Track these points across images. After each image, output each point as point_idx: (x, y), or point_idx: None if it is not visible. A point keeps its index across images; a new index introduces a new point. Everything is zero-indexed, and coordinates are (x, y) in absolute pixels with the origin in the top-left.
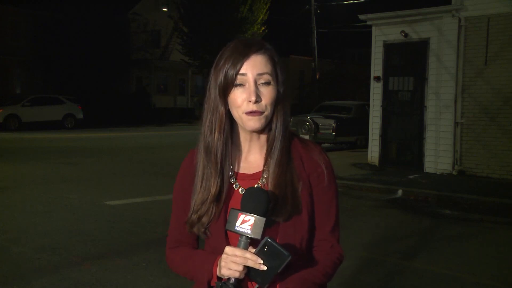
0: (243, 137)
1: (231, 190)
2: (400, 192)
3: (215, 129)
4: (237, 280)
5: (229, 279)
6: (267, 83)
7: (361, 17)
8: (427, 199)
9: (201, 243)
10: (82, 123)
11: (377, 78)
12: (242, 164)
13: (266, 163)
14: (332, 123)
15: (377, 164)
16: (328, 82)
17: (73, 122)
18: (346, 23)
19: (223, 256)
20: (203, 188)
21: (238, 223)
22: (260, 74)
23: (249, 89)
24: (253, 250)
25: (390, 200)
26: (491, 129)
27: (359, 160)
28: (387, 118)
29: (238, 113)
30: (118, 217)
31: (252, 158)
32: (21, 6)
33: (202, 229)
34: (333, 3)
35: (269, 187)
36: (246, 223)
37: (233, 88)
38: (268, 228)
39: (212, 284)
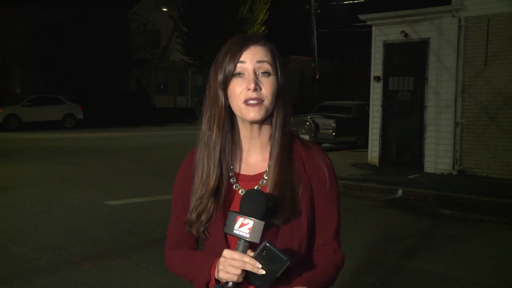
0: (243, 135)
1: (231, 191)
2: (400, 192)
3: (214, 123)
4: (235, 283)
5: (227, 282)
6: (267, 73)
7: (361, 17)
8: (427, 199)
9: (201, 244)
10: (82, 123)
11: (377, 78)
12: (242, 165)
13: (268, 165)
14: (332, 123)
15: (377, 164)
16: (328, 82)
17: (73, 122)
18: (346, 23)
19: (221, 259)
20: (202, 183)
21: (236, 227)
22: (260, 62)
23: (248, 77)
24: (252, 254)
25: (390, 200)
26: (491, 129)
27: (359, 160)
28: (387, 118)
29: (238, 104)
30: (118, 217)
31: (253, 159)
32: (21, 6)
33: (202, 229)
34: (333, 3)
35: (268, 188)
36: (244, 227)
37: (233, 78)
38: (267, 232)
39: (211, 286)
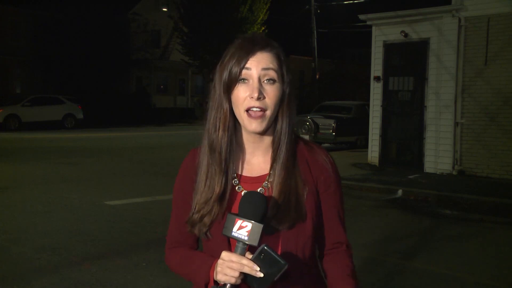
0: (246, 139)
1: (234, 192)
2: (400, 192)
3: (219, 126)
4: (233, 285)
5: (225, 284)
6: (272, 81)
7: (361, 17)
8: (427, 199)
9: (201, 244)
10: (82, 123)
11: (377, 78)
12: (245, 167)
13: (271, 167)
14: (332, 123)
15: (377, 164)
16: (328, 82)
17: (73, 122)
18: (346, 23)
19: (219, 261)
20: (207, 187)
21: (235, 229)
22: (265, 69)
23: (253, 85)
24: (250, 256)
25: (390, 200)
26: (491, 129)
27: (359, 160)
28: (387, 118)
29: (240, 112)
30: (118, 217)
31: (256, 161)
32: (21, 6)
33: (204, 230)
34: (333, 3)
35: (274, 192)
36: (243, 229)
37: (237, 84)
38: (270, 235)
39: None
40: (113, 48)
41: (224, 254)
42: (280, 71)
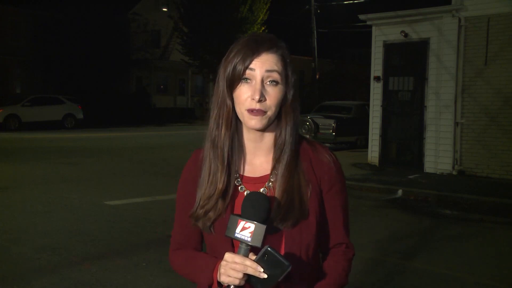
0: (247, 138)
1: (236, 192)
2: (400, 192)
3: (222, 123)
4: (237, 287)
5: (228, 286)
6: (275, 83)
7: (361, 17)
8: (427, 199)
9: (204, 246)
10: (82, 123)
11: (377, 78)
12: (247, 167)
13: (274, 167)
14: (332, 123)
15: (377, 164)
16: (328, 82)
17: (73, 122)
18: (346, 23)
19: (223, 263)
20: (210, 182)
21: (238, 230)
22: (269, 71)
23: (255, 86)
24: (254, 257)
25: (390, 200)
26: (491, 129)
27: (359, 160)
28: (387, 118)
29: (241, 110)
30: (118, 217)
31: (258, 161)
32: (21, 6)
33: (208, 224)
34: (333, 3)
35: (277, 193)
36: (246, 230)
37: (240, 83)
38: (273, 235)
39: None
40: (113, 48)
41: (227, 256)
42: (284, 72)
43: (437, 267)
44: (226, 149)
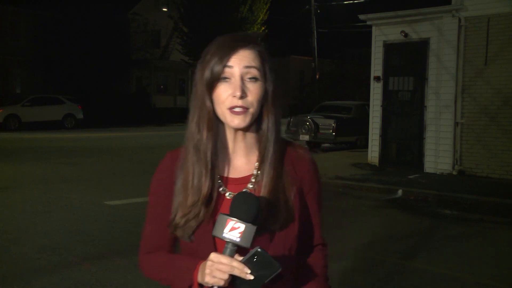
0: (229, 138)
1: (219, 196)
2: (400, 192)
3: (203, 126)
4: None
5: (212, 287)
6: (254, 79)
7: (361, 17)
8: (427, 199)
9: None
10: (82, 123)
11: (377, 78)
12: (227, 167)
13: (259, 167)
14: (332, 123)
15: (377, 164)
16: (328, 82)
17: (73, 122)
18: (346, 23)
19: (208, 263)
20: (193, 189)
21: (226, 230)
22: (248, 67)
23: (235, 83)
24: (240, 258)
25: (390, 200)
26: (491, 129)
27: (359, 160)
28: (387, 118)
29: (222, 109)
30: (118, 217)
31: (238, 161)
32: (21, 6)
33: (189, 232)
34: (333, 3)
35: (262, 193)
36: (235, 230)
37: (219, 82)
38: (260, 236)
39: None
40: (113, 48)
41: (214, 256)
42: (262, 69)
43: (437, 267)
44: (209, 153)
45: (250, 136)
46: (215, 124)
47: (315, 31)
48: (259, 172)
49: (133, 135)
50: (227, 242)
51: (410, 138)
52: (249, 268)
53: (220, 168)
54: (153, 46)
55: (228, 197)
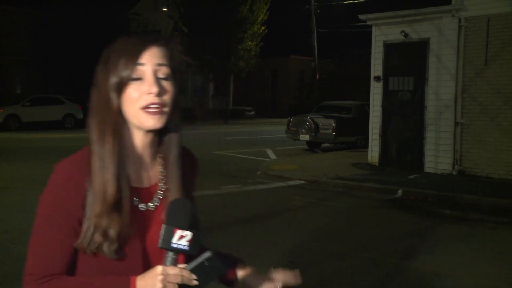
0: (135, 143)
1: (133, 207)
2: (400, 192)
3: (108, 131)
4: None
5: None
6: (166, 78)
7: (361, 17)
8: (427, 199)
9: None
10: (82, 123)
11: (377, 78)
12: (134, 176)
13: (165, 171)
14: (332, 123)
15: (377, 164)
16: (328, 82)
17: (73, 122)
18: (346, 23)
19: (159, 277)
20: (100, 199)
21: (174, 239)
22: (160, 65)
23: (149, 80)
24: (183, 266)
25: (390, 200)
26: (491, 129)
27: (359, 160)
28: (387, 118)
29: (134, 110)
30: None
31: (146, 167)
32: (21, 6)
33: (114, 247)
34: (333, 3)
35: (173, 198)
36: (183, 239)
37: (129, 82)
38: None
39: None
40: None
41: (161, 269)
42: (172, 68)
43: (437, 267)
44: (114, 159)
45: (156, 141)
46: (122, 128)
47: (315, 31)
48: (165, 176)
49: None
50: (167, 252)
51: (410, 138)
52: (197, 273)
53: (130, 177)
54: None
55: (141, 208)
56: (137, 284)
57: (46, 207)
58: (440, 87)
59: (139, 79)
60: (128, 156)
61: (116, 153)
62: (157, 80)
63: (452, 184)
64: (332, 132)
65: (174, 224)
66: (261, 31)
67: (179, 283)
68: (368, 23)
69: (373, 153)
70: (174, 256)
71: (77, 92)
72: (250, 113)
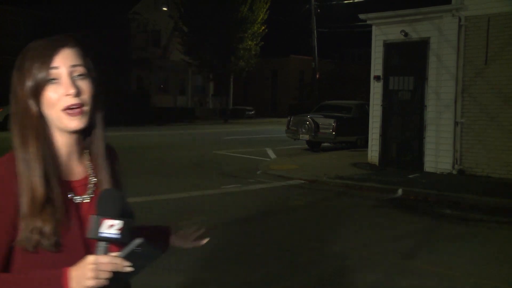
0: (61, 142)
1: (66, 199)
2: (400, 192)
3: (31, 135)
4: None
5: None
6: (82, 76)
7: (361, 16)
8: (427, 199)
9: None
10: None
11: (377, 78)
12: (66, 171)
13: (93, 165)
14: (332, 122)
15: (377, 164)
16: (328, 82)
17: None
18: (346, 23)
19: (90, 266)
20: (30, 199)
21: (103, 229)
22: (74, 66)
23: (65, 82)
24: (116, 253)
25: (390, 200)
26: (491, 128)
27: (359, 160)
28: (387, 118)
29: (56, 112)
30: None
31: (73, 164)
32: (21, 6)
33: (53, 240)
34: (333, 3)
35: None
36: (113, 228)
37: (46, 86)
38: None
39: None
40: (113, 48)
41: (93, 258)
42: (87, 66)
43: (437, 267)
44: (39, 161)
45: (82, 136)
46: (44, 131)
47: (315, 31)
48: (94, 170)
49: (133, 135)
50: (99, 242)
51: (410, 138)
52: (130, 259)
53: (59, 173)
54: (153, 46)
55: (75, 201)
56: (70, 275)
57: None
58: (440, 86)
59: (55, 81)
60: (55, 154)
61: (41, 155)
62: (73, 81)
63: (452, 183)
64: (332, 131)
65: (104, 213)
66: (261, 30)
67: (113, 270)
68: (368, 22)
69: (373, 152)
70: (105, 245)
71: None
72: (250, 113)
